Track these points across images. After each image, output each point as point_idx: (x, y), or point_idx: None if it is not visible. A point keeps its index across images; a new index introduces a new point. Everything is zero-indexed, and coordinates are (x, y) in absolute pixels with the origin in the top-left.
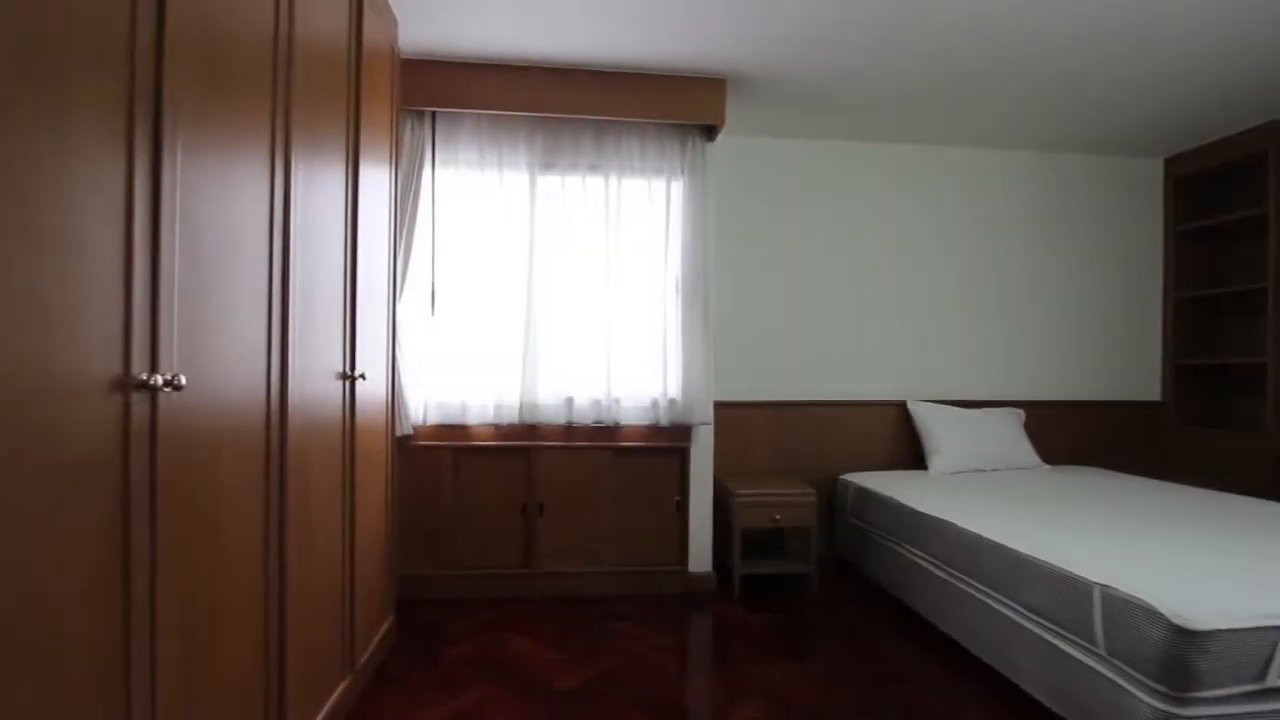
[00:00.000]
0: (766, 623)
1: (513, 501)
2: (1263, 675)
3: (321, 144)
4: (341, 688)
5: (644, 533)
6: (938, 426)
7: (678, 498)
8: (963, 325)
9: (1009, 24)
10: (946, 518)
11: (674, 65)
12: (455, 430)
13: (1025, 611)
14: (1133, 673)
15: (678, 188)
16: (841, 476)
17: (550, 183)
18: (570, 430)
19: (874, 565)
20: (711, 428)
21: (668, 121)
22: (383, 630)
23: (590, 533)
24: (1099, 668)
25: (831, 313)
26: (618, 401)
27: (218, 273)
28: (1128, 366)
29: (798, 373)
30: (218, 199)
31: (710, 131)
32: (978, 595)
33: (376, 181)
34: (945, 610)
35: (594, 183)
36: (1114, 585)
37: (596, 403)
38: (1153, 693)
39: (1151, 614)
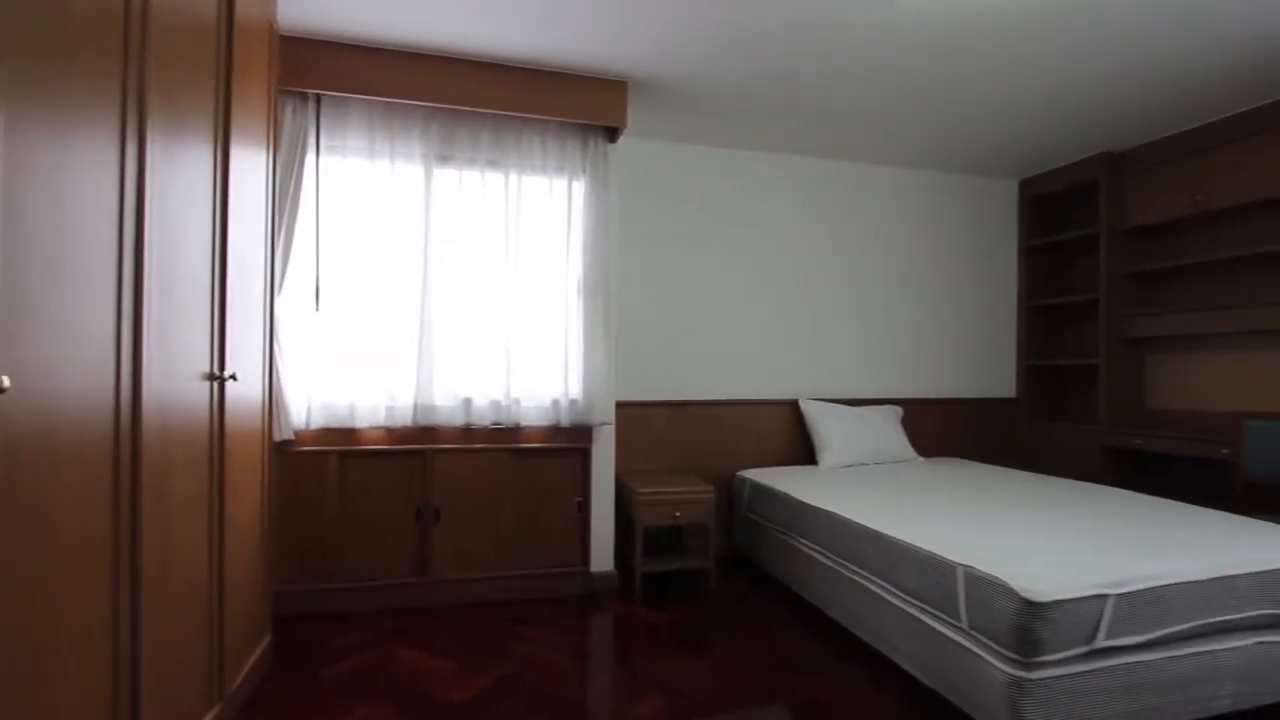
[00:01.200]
0: (667, 619)
1: (406, 507)
2: (1092, 638)
3: (184, 122)
4: (210, 717)
5: (545, 534)
6: (826, 424)
7: (579, 498)
8: (849, 329)
9: (891, 53)
10: (833, 509)
11: (575, 64)
12: (342, 434)
13: (901, 594)
14: (990, 643)
15: (580, 187)
16: (738, 473)
17: (447, 176)
18: (468, 432)
19: (770, 558)
20: (613, 427)
21: (569, 120)
22: (259, 651)
23: (489, 537)
24: (962, 641)
25: (728, 315)
26: (518, 402)
27: (50, 262)
28: (988, 367)
29: (697, 373)
30: (50, 180)
31: (612, 133)
32: (861, 581)
33: (251, 165)
34: (833, 597)
35: (494, 178)
36: (974, 565)
37: (496, 403)
38: (1006, 660)
39: (1005, 590)
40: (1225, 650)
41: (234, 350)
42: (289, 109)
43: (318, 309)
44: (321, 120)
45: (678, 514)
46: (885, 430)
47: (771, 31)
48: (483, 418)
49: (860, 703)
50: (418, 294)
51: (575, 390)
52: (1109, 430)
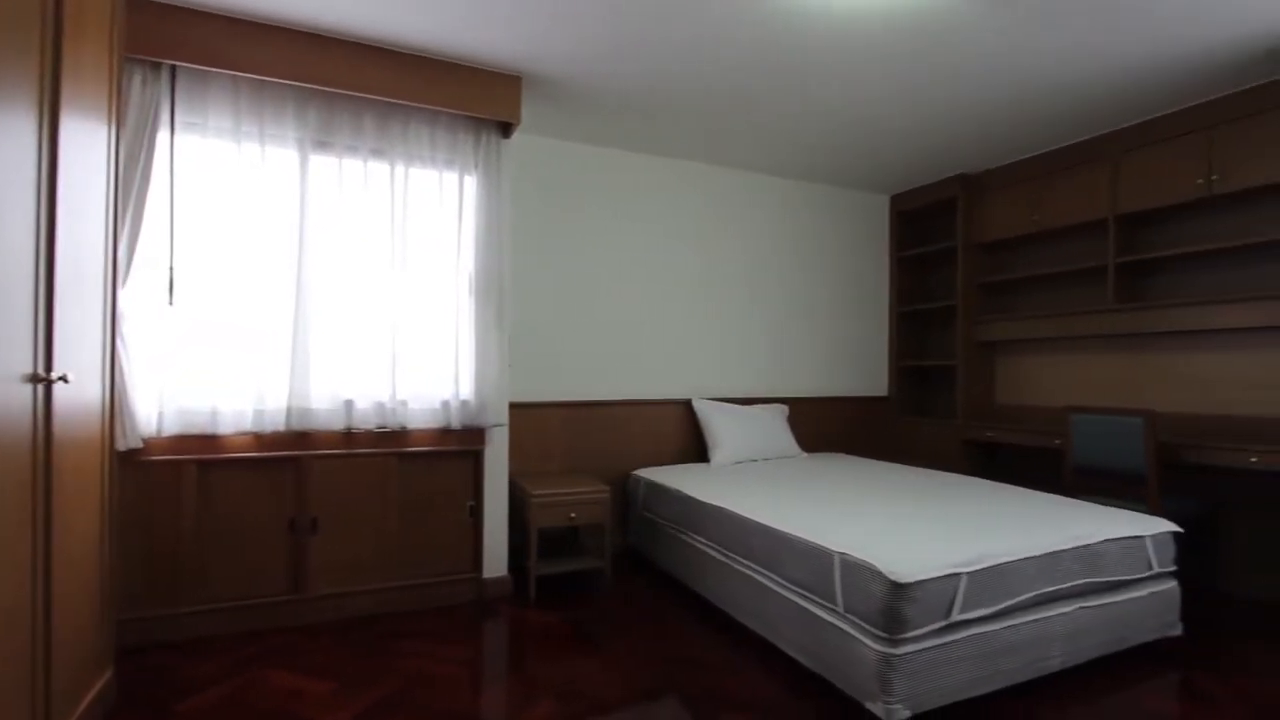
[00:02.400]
0: (562, 621)
1: (278, 519)
2: (948, 613)
3: None
4: None
5: (435, 542)
6: (718, 423)
7: (471, 502)
8: (739, 331)
9: (771, 72)
10: (724, 505)
11: (467, 55)
12: (202, 441)
13: (786, 583)
14: (862, 624)
15: (471, 182)
16: (634, 472)
17: (326, 164)
18: (350, 436)
19: (665, 555)
20: (506, 429)
21: (461, 113)
22: (96, 688)
23: (373, 547)
24: (839, 624)
25: (624, 316)
26: (405, 404)
27: None
28: (864, 368)
29: (593, 373)
30: None
31: (506, 128)
32: (750, 573)
33: (87, 140)
34: (724, 591)
35: (378, 169)
36: (849, 552)
37: (380, 405)
38: (876, 638)
39: (875, 574)
40: (1055, 616)
41: (65, 348)
42: (137, 80)
43: (171, 302)
44: (178, 95)
45: (573, 515)
46: (773, 428)
47: (660, 36)
48: (366, 420)
49: (749, 690)
50: (292, 289)
51: (467, 391)
52: (965, 425)
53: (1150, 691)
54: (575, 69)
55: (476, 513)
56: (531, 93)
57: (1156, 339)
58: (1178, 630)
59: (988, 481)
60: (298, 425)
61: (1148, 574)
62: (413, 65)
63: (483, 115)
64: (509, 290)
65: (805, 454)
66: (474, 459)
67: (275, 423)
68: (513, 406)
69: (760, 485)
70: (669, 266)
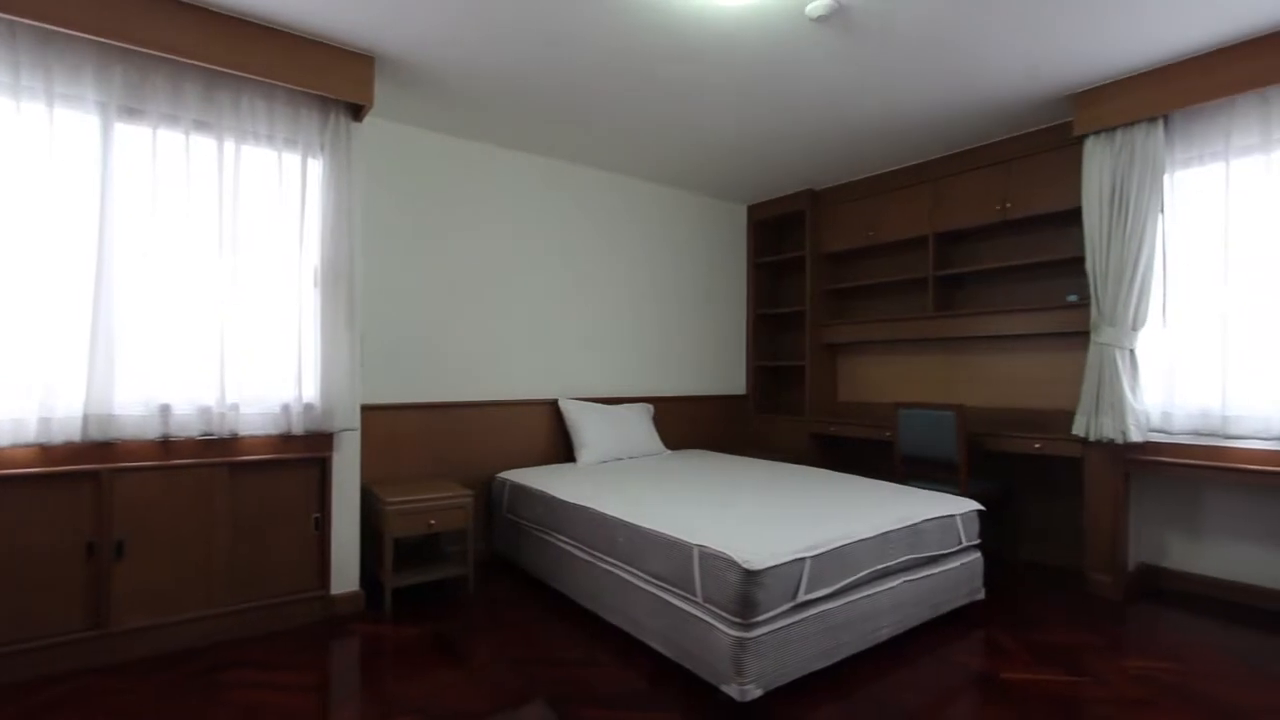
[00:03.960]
0: (421, 634)
1: (73, 544)
2: (795, 595)
3: None
4: None
5: (274, 559)
6: (584, 422)
7: (317, 514)
8: (606, 331)
9: (634, 80)
10: (589, 504)
11: (312, 27)
12: None
13: (649, 577)
14: (719, 611)
15: (317, 166)
16: (498, 475)
17: (137, 135)
18: (167, 445)
19: (530, 558)
20: (358, 433)
21: (304, 90)
22: None
23: (197, 569)
24: (698, 613)
25: (489, 314)
26: (236, 408)
27: None
28: (725, 368)
29: (455, 373)
30: None
31: (358, 110)
32: (614, 570)
33: None
34: (589, 589)
35: (203, 144)
36: (707, 544)
37: (206, 410)
38: (730, 624)
39: (730, 563)
40: (884, 591)
41: None
42: None
43: None
44: None
45: (433, 521)
46: (638, 427)
47: (524, 27)
48: (187, 428)
49: (614, 684)
50: (90, 277)
51: (311, 393)
52: (812, 420)
53: (960, 650)
54: (436, 54)
55: (323, 525)
56: (389, 76)
57: (966, 342)
58: (981, 595)
59: (831, 472)
60: (98, 435)
61: (958, 548)
62: (246, 32)
63: (330, 94)
64: (360, 284)
65: (670, 451)
66: (320, 466)
67: (67, 432)
68: (365, 409)
69: (625, 483)
70: (536, 265)
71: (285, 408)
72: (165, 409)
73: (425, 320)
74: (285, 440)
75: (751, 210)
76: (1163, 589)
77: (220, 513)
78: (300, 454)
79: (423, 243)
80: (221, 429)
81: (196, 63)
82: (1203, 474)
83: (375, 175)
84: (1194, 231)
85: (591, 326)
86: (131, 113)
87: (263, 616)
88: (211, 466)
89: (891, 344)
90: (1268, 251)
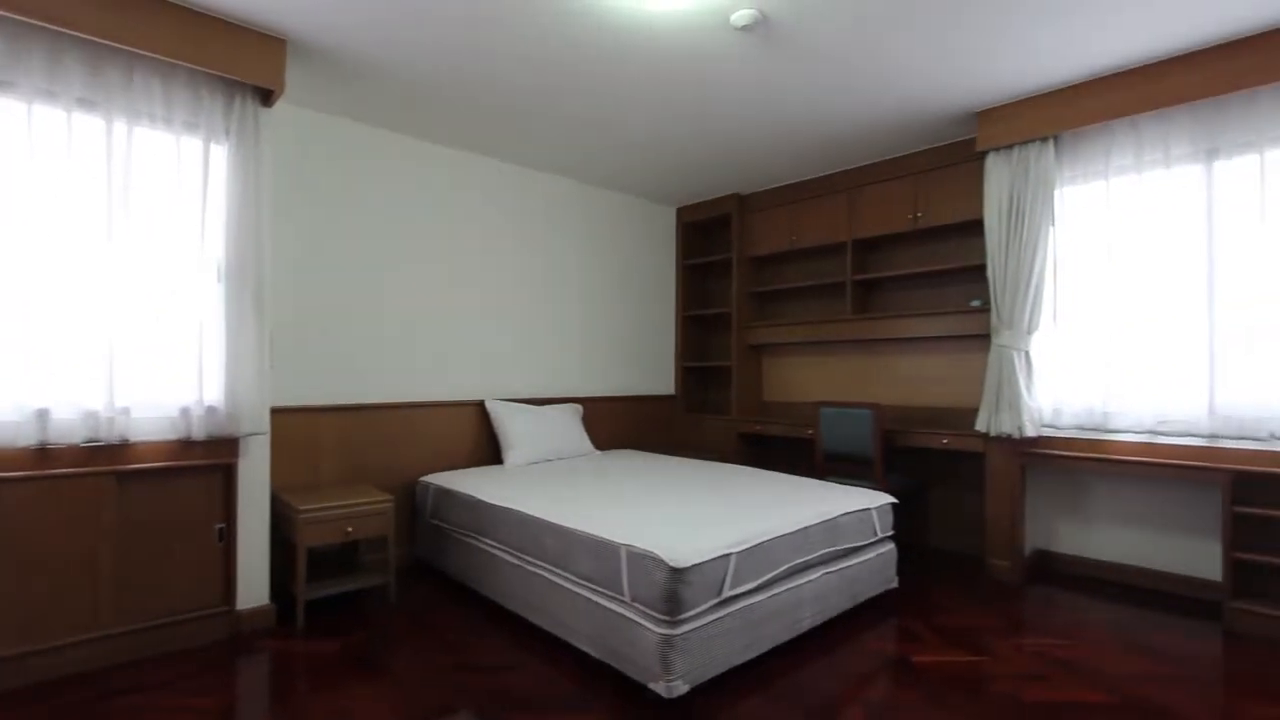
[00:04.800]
0: (337, 647)
1: None
2: (720, 591)
3: None
4: None
5: (171, 574)
6: (512, 424)
7: (221, 524)
8: (535, 331)
9: (556, 75)
10: (516, 507)
11: (218, 6)
12: None
13: (577, 579)
14: (646, 610)
15: (221, 152)
16: (422, 478)
17: (7, 110)
18: (44, 454)
19: (455, 563)
20: (267, 438)
21: (206, 70)
22: None
23: (80, 589)
24: (625, 613)
25: (413, 313)
26: (127, 412)
27: None
28: (654, 368)
29: (375, 374)
30: None
31: (268, 96)
32: (542, 573)
33: None
34: (516, 593)
35: (87, 123)
36: (634, 544)
37: (92, 415)
38: (657, 621)
39: (657, 562)
40: (805, 583)
41: None
42: None
43: None
44: None
45: (350, 529)
46: (567, 427)
47: (446, 17)
48: (69, 435)
49: (541, 687)
50: None
51: (214, 395)
52: (739, 419)
53: (876, 637)
54: (354, 40)
55: (228, 536)
56: (303, 61)
57: (881, 344)
58: (895, 583)
59: (757, 469)
60: None
61: (874, 539)
62: (139, 3)
63: (236, 77)
64: (269, 279)
65: (599, 452)
66: (224, 474)
67: None
68: (276, 412)
69: (553, 485)
70: (463, 263)
71: (185, 411)
72: (43, 414)
73: (344, 318)
74: (185, 446)
75: (680, 212)
76: (1055, 572)
77: (108, 526)
78: (202, 460)
79: (342, 237)
80: (110, 435)
81: (79, 34)
82: (1087, 465)
83: (289, 165)
84: (1080, 243)
85: (522, 326)
86: (1, 85)
87: (160, 637)
88: (97, 476)
89: (813, 345)
90: (1141, 263)
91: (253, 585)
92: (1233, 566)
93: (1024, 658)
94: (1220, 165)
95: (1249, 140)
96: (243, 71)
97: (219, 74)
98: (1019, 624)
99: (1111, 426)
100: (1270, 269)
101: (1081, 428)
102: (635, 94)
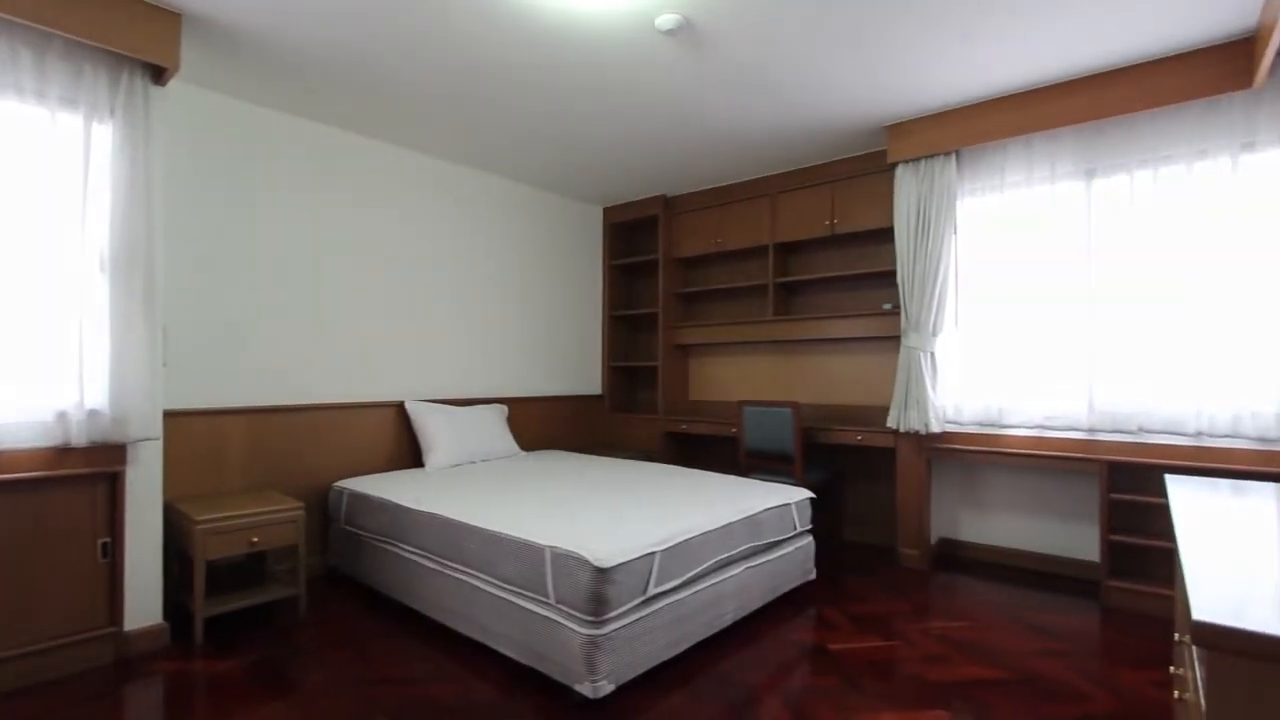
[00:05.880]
0: (241, 665)
1: None
2: (645, 589)
3: None
4: None
5: (44, 596)
6: (433, 425)
7: (106, 539)
8: (457, 331)
9: (490, 62)
10: (436, 511)
11: None
12: None
13: (500, 583)
14: (571, 611)
15: (105, 132)
16: (335, 484)
17: None
18: None
19: (371, 571)
20: (160, 443)
21: (87, 42)
22: None
23: None
24: (550, 615)
25: (325, 309)
26: None
27: None
28: (580, 368)
29: (284, 374)
30: None
31: (160, 73)
32: (463, 578)
33: None
34: (436, 599)
35: None
36: (559, 545)
37: None
38: (582, 622)
39: (581, 562)
40: (728, 578)
41: None
42: None
43: None
44: None
45: (255, 539)
46: (491, 428)
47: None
48: None
49: (463, 694)
50: None
51: (97, 398)
52: (666, 418)
53: (795, 627)
54: (260, 20)
55: (114, 551)
56: (200, 37)
57: (801, 344)
58: (813, 575)
59: (682, 468)
60: None
61: (793, 533)
62: None
63: (123, 50)
64: (162, 270)
65: (524, 453)
66: (110, 483)
67: None
68: (172, 415)
69: (476, 487)
70: (381, 259)
71: (61, 415)
72: None
73: (249, 314)
74: (61, 454)
75: (607, 212)
76: (959, 558)
77: None
78: (81, 469)
79: (245, 226)
80: None
81: None
82: (985, 458)
83: (191, 150)
84: (978, 251)
85: (443, 325)
86: None
87: (35, 665)
88: None
89: (737, 346)
90: (1031, 271)
91: (143, 603)
92: (1109, 548)
93: (930, 640)
94: (1099, 184)
95: (1121, 162)
96: (131, 45)
97: (102, 46)
98: (926, 609)
99: (1006, 422)
100: (1137, 279)
101: (980, 424)
102: (561, 92)
